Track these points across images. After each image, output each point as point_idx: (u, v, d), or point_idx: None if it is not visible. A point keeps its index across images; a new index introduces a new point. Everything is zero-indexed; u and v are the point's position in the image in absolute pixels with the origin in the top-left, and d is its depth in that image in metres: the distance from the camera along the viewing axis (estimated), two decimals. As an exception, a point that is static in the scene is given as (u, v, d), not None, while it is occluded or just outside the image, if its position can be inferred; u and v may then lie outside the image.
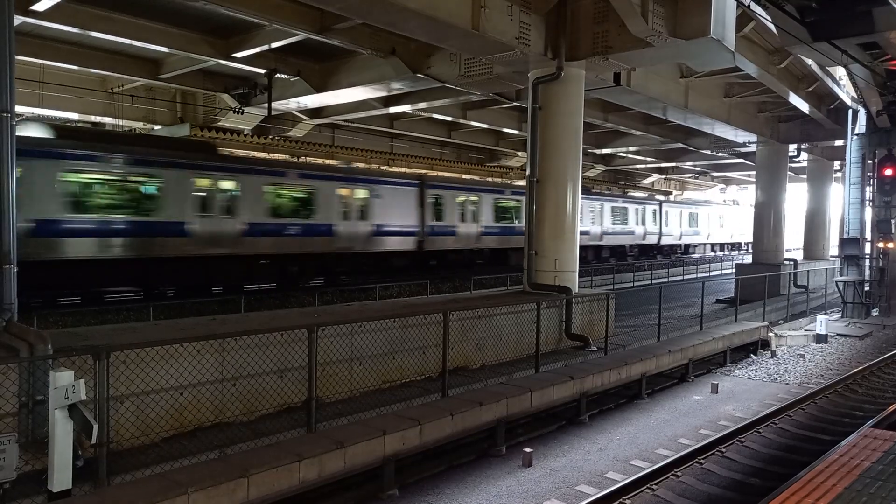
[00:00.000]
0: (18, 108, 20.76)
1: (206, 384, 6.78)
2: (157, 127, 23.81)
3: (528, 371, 9.88)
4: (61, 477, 5.07)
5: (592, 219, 34.20)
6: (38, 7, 12.55)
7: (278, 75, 18.18)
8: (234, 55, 16.75)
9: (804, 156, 28.90)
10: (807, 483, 4.56)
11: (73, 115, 22.37)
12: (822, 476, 4.67)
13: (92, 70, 18.80)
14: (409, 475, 7.08)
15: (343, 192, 22.09)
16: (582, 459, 7.93)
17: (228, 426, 6.91)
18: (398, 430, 6.84)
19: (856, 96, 19.90)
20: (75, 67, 18.41)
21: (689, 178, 53.17)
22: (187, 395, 6.67)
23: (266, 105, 19.30)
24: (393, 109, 22.28)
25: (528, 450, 7.83)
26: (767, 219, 26.83)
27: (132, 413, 6.23)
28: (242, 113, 21.11)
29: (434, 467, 7.37)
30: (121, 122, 22.94)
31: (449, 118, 25.73)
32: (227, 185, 18.66)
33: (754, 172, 29.40)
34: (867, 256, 21.29)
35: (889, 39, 12.42)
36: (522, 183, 14.91)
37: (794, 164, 29.02)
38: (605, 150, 33.48)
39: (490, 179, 32.82)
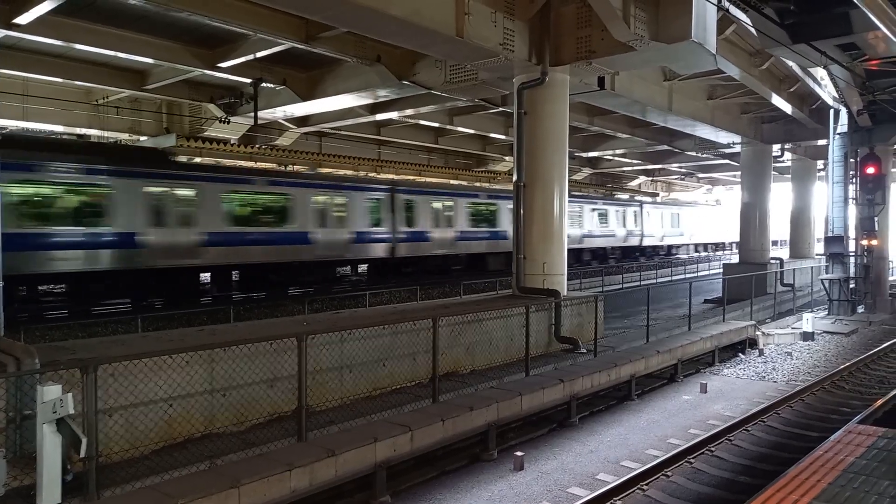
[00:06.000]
0: (1, 122, 20.75)
1: (195, 395, 6.78)
2: (142, 138, 23.71)
3: (519, 375, 9.92)
4: (50, 492, 5.04)
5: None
6: (20, 20, 12.46)
7: (264, 84, 18.16)
8: (220, 65, 16.74)
9: (788, 155, 29.19)
10: (792, 479, 4.62)
11: (58, 128, 22.24)
12: (806, 472, 4.74)
13: (76, 82, 18.71)
14: (401, 482, 7.09)
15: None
16: (573, 462, 7.97)
17: (219, 437, 6.90)
18: (389, 436, 6.86)
19: (837, 96, 20.16)
20: (59, 80, 18.31)
21: (676, 179, 53.56)
22: (177, 406, 6.66)
23: (252, 114, 19.28)
24: (380, 116, 22.34)
25: (519, 453, 7.87)
26: (753, 218, 27.10)
27: (121, 426, 6.21)
28: (228, 122, 21.07)
29: (426, 473, 7.39)
30: (106, 134, 22.83)
31: (436, 124, 25.84)
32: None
33: (739, 173, 29.68)
34: (852, 254, 21.53)
35: (867, 40, 12.60)
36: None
37: (778, 164, 29.31)
38: (591, 154, 33.70)
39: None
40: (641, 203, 42.62)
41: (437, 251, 27.02)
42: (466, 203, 28.44)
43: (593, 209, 37.44)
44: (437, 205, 27.01)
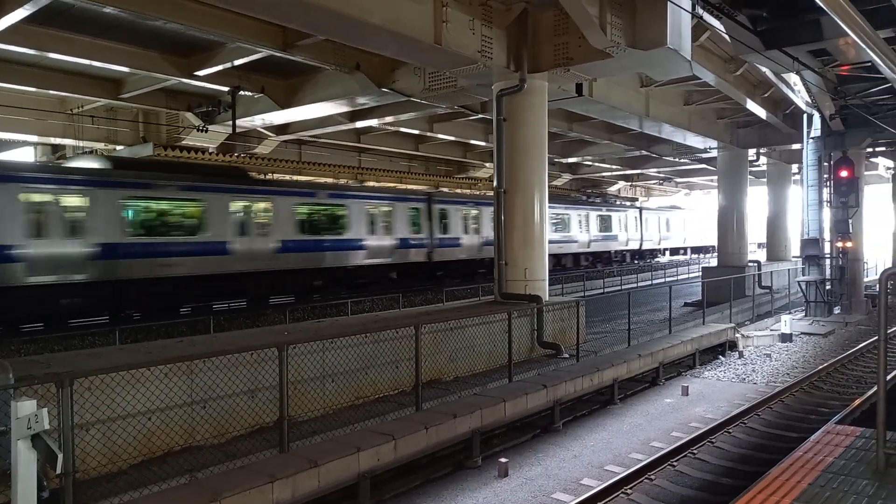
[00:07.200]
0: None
1: (174, 408, 6.67)
2: (118, 148, 23.41)
3: (502, 381, 9.92)
4: (25, 510, 4.93)
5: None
6: (-8, 29, 12.29)
7: (242, 92, 18.06)
8: (197, 73, 16.60)
9: (763, 160, 29.64)
10: (773, 480, 4.66)
11: (32, 138, 21.89)
12: (786, 473, 4.78)
13: (51, 91, 18.46)
14: (385, 491, 7.05)
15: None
16: (557, 467, 7.98)
17: (199, 449, 6.78)
18: (372, 445, 6.82)
19: (810, 101, 20.47)
20: (33, 89, 18.04)
21: (655, 184, 54.07)
22: (156, 419, 6.55)
23: (230, 122, 19.16)
24: (359, 124, 22.32)
25: (503, 460, 7.86)
26: (731, 222, 27.45)
27: (98, 440, 6.09)
28: (206, 131, 20.90)
29: (410, 482, 7.35)
30: (81, 144, 22.51)
31: (416, 131, 25.85)
32: None
33: (716, 177, 30.06)
34: (827, 256, 21.87)
35: (837, 46, 12.86)
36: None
37: (754, 168, 29.73)
38: (571, 160, 33.95)
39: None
40: (477, 202, 29.09)
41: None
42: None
43: (367, 209, 23.35)
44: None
